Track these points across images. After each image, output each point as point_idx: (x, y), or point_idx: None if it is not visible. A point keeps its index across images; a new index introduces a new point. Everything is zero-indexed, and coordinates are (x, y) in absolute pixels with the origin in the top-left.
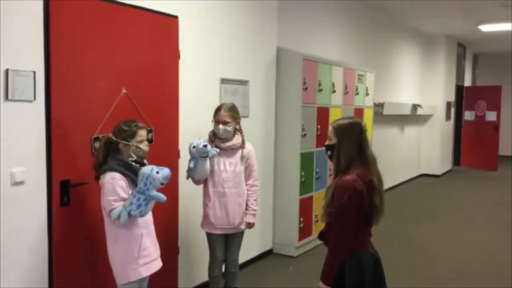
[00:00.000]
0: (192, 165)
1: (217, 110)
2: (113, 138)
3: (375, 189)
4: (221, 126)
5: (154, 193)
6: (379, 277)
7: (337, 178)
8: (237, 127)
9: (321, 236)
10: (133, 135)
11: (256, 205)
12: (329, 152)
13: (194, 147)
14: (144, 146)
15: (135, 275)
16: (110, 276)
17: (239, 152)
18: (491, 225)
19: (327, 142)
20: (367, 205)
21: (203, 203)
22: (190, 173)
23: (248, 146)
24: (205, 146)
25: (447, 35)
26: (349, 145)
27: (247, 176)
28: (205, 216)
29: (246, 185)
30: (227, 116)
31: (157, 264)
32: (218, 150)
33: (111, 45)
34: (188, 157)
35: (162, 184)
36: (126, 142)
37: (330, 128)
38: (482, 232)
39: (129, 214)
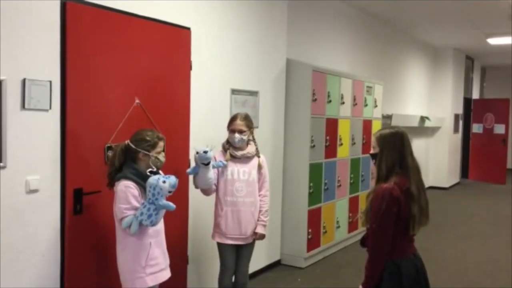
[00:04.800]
0: (189, 170)
1: (233, 119)
2: (133, 146)
3: (413, 198)
4: (237, 135)
5: (164, 202)
6: (419, 286)
7: (376, 185)
8: (251, 136)
9: (362, 242)
10: (154, 145)
11: (267, 216)
12: (374, 161)
13: (197, 153)
14: (162, 157)
15: (141, 284)
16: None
17: (253, 160)
18: (500, 238)
19: (371, 151)
20: (404, 212)
21: (215, 213)
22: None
23: (262, 156)
24: (205, 152)
25: (455, 48)
26: (390, 154)
27: (260, 187)
28: (217, 226)
29: (259, 195)
30: (243, 125)
31: (165, 274)
32: (225, 162)
33: (125, 56)
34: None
35: (170, 192)
36: (147, 152)
37: (373, 138)
38: (492, 245)
39: (141, 224)
